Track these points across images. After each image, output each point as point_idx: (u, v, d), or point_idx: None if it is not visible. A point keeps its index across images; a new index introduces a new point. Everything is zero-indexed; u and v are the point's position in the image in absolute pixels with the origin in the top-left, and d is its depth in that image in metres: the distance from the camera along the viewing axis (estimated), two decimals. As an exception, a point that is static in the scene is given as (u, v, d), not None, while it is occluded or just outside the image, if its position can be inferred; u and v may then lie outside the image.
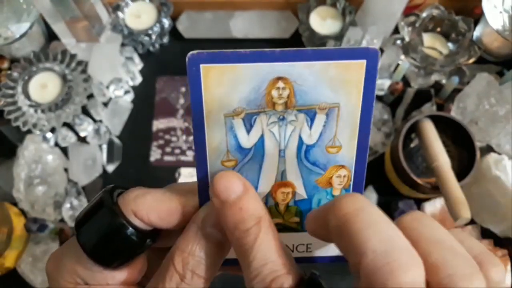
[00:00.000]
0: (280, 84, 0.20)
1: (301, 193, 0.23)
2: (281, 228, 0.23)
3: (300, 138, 0.21)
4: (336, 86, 0.20)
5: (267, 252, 0.19)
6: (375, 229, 0.16)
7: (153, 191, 0.22)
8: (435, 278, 0.16)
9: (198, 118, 0.21)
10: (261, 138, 0.21)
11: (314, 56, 0.19)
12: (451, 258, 0.16)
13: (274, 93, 0.20)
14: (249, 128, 0.21)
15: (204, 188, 0.22)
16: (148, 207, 0.22)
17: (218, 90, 0.20)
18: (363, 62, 0.20)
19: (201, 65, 0.20)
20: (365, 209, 0.17)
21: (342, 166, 0.22)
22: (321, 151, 0.22)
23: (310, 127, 0.21)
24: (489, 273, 0.17)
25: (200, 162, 0.22)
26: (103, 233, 0.22)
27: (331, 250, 0.24)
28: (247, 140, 0.21)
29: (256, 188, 0.22)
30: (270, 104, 0.21)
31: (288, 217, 0.23)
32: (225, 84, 0.20)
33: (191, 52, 0.19)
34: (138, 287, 0.24)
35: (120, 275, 0.23)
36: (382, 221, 0.16)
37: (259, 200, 0.21)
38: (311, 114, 0.21)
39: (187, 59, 0.19)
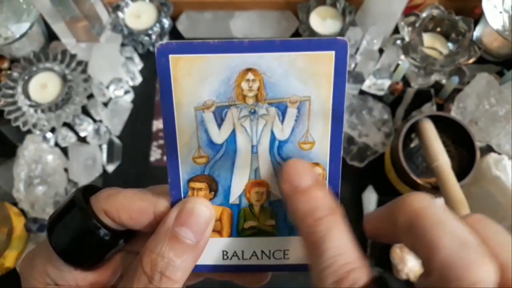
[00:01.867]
0: (250, 76, 0.20)
1: (276, 192, 0.22)
2: (256, 232, 0.23)
3: (272, 133, 0.21)
4: (305, 79, 0.20)
5: (342, 243, 0.18)
6: (447, 225, 0.16)
7: (125, 191, 0.22)
8: (504, 279, 0.16)
9: (168, 111, 0.20)
10: (233, 133, 0.21)
11: (282, 47, 0.19)
12: None
13: (244, 85, 0.20)
14: (220, 122, 0.21)
15: (176, 186, 0.22)
16: (119, 206, 0.21)
17: (188, 82, 0.20)
18: (332, 53, 0.19)
19: (170, 56, 0.19)
20: (435, 206, 0.17)
21: (317, 164, 0.21)
22: (294, 147, 0.21)
23: (282, 121, 0.21)
24: None
25: (171, 158, 0.21)
26: (73, 233, 0.21)
27: None
28: (219, 135, 0.21)
29: (229, 187, 0.22)
30: (241, 97, 0.20)
31: (264, 220, 0.22)
32: (195, 76, 0.20)
33: (160, 42, 0.19)
34: None
35: (91, 276, 0.22)
36: (453, 217, 0.17)
37: (330, 192, 0.20)
38: (282, 108, 0.20)
39: (155, 50, 0.19)
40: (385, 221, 0.19)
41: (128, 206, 0.21)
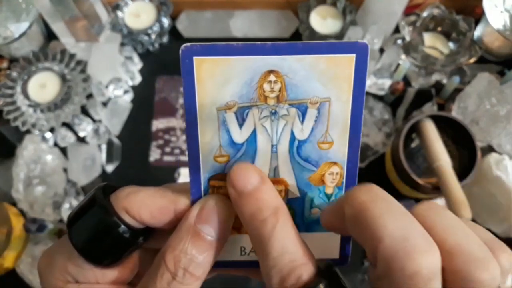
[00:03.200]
0: (272, 77, 0.20)
1: (294, 191, 0.22)
2: None
3: (292, 133, 0.21)
4: (326, 80, 0.20)
5: (285, 242, 0.19)
6: (392, 216, 0.16)
7: (145, 189, 0.22)
8: (451, 264, 0.16)
9: (191, 111, 0.21)
10: (253, 133, 0.21)
11: (304, 50, 0.20)
12: (466, 244, 0.16)
13: (266, 86, 0.20)
14: (241, 122, 0.21)
15: (196, 184, 0.22)
16: (140, 204, 0.21)
17: (211, 83, 0.20)
18: (353, 56, 0.20)
19: (194, 58, 0.20)
20: (380, 197, 0.17)
21: (335, 163, 0.22)
22: (313, 146, 0.22)
23: (302, 122, 0.21)
24: (499, 259, 0.17)
25: (192, 157, 0.22)
26: (94, 230, 0.21)
27: (327, 252, 0.23)
28: (240, 135, 0.21)
29: None
30: (262, 97, 0.21)
31: None
32: (218, 77, 0.20)
33: (184, 45, 0.20)
34: (129, 287, 0.23)
35: (111, 273, 0.22)
36: (397, 208, 0.17)
37: (276, 191, 0.21)
38: (302, 109, 0.21)
39: (180, 52, 0.20)
40: (336, 214, 0.19)
41: (148, 204, 0.22)
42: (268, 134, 0.21)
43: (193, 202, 0.22)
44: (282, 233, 0.19)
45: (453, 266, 0.16)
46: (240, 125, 0.21)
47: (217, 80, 0.20)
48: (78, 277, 0.22)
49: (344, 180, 0.22)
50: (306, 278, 0.18)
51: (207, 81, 0.20)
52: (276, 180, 0.22)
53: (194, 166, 0.22)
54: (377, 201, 0.17)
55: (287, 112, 0.21)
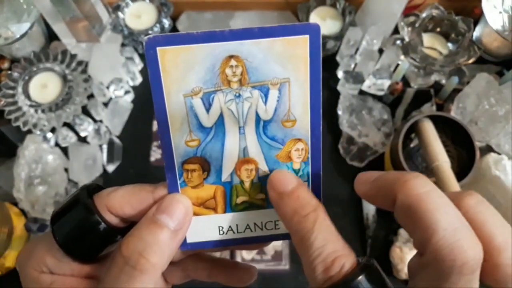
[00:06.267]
0: (233, 62, 0.21)
1: (264, 169, 0.24)
2: (248, 206, 0.24)
3: (257, 114, 0.23)
4: (284, 62, 0.21)
5: (327, 234, 0.20)
6: (445, 210, 0.18)
7: (125, 186, 0.24)
8: (497, 258, 0.18)
9: (159, 100, 0.22)
10: (221, 116, 0.22)
11: (260, 34, 0.21)
12: None
13: (228, 71, 0.21)
14: (208, 107, 0.22)
15: (171, 170, 0.23)
16: (121, 200, 0.23)
17: (176, 71, 0.21)
18: (306, 37, 0.21)
19: (158, 48, 0.21)
20: (435, 192, 0.18)
21: (299, 140, 0.23)
22: (277, 125, 0.23)
23: (265, 102, 0.22)
24: None
25: (165, 144, 0.23)
26: (75, 226, 0.23)
27: None
28: (208, 119, 0.22)
29: (220, 166, 0.24)
30: (226, 82, 0.22)
31: (254, 194, 0.24)
32: (182, 65, 0.21)
33: (147, 36, 0.21)
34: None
35: (87, 268, 0.24)
36: (449, 203, 0.18)
37: (311, 192, 0.22)
38: (264, 90, 0.22)
39: (144, 43, 0.21)
40: (382, 193, 0.20)
41: (129, 198, 0.23)
42: (235, 117, 0.23)
43: (169, 187, 0.23)
44: (324, 226, 0.20)
45: (500, 260, 0.18)
46: (207, 110, 0.22)
47: (181, 68, 0.21)
48: (54, 269, 0.23)
49: (309, 155, 0.23)
50: (348, 268, 0.19)
51: (171, 69, 0.21)
52: (246, 160, 0.23)
53: (167, 152, 0.23)
54: (432, 195, 0.18)
55: (251, 95, 0.22)
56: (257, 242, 0.25)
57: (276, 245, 0.58)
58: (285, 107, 0.22)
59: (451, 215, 0.18)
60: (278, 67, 0.22)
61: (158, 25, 0.66)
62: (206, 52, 0.21)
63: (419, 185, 0.18)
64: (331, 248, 0.19)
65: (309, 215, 0.21)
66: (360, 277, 0.18)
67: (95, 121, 0.63)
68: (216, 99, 0.22)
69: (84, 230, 0.23)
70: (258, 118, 0.23)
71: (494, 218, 0.19)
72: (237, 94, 0.22)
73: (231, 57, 0.21)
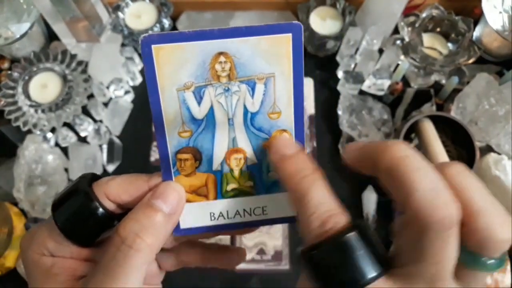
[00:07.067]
0: (222, 58, 0.23)
1: (252, 158, 0.25)
2: (237, 193, 0.26)
3: (245, 107, 0.24)
4: (269, 58, 0.23)
5: (323, 193, 0.21)
6: (423, 172, 0.19)
7: (122, 175, 0.25)
8: (475, 223, 0.19)
9: (154, 94, 0.23)
10: (211, 109, 0.24)
11: (247, 32, 0.23)
12: (491, 208, 0.19)
13: (218, 66, 0.23)
14: (199, 100, 0.24)
15: (165, 159, 0.25)
16: (118, 187, 0.24)
17: (169, 67, 0.23)
18: (289, 35, 0.23)
19: (153, 46, 0.23)
20: (416, 156, 0.19)
21: (284, 130, 0.25)
22: (264, 117, 0.24)
23: (252, 96, 0.24)
24: None
25: (159, 135, 0.24)
26: (75, 212, 0.24)
27: (286, 211, 0.26)
28: (199, 111, 0.24)
29: (211, 155, 0.25)
30: (215, 77, 0.23)
31: (243, 182, 0.26)
32: (175, 62, 0.23)
33: (143, 35, 0.23)
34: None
35: (85, 252, 0.25)
36: (428, 166, 0.19)
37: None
38: (251, 84, 0.24)
39: (140, 42, 0.23)
40: (367, 159, 0.21)
41: (125, 186, 0.24)
42: (224, 109, 0.24)
43: (163, 175, 0.25)
44: (321, 187, 0.21)
45: (477, 224, 0.18)
46: (199, 103, 0.24)
47: (174, 64, 0.23)
48: (55, 252, 0.24)
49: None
50: (342, 224, 0.20)
51: (165, 65, 0.23)
52: (235, 149, 0.25)
53: (161, 143, 0.24)
54: (412, 158, 0.19)
55: (239, 88, 0.24)
56: (247, 227, 0.27)
57: (276, 245, 0.58)
58: (270, 100, 0.24)
59: (430, 176, 0.19)
60: (264, 63, 0.23)
61: (158, 25, 0.66)
62: (197, 49, 0.23)
63: (400, 150, 0.19)
64: (326, 207, 0.21)
65: (308, 176, 0.22)
66: (352, 233, 0.20)
67: (95, 121, 0.63)
68: (207, 93, 0.24)
69: (83, 216, 0.24)
70: (246, 111, 0.24)
71: (475, 185, 0.19)
72: (226, 88, 0.24)
73: (220, 53, 0.23)
